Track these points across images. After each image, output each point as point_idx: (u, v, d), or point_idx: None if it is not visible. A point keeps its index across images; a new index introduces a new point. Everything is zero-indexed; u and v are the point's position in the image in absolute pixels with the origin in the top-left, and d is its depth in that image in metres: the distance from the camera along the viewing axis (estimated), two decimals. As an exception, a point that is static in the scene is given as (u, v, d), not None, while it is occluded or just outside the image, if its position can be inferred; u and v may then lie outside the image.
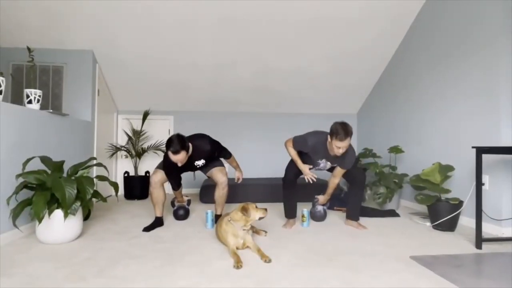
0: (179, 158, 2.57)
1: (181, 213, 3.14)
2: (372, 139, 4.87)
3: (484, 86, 2.90)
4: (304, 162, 2.82)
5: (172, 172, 2.83)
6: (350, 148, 2.67)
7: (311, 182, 2.78)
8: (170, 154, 2.56)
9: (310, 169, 2.83)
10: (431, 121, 3.58)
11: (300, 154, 2.84)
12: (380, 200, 3.61)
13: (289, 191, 2.99)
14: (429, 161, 3.47)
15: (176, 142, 2.53)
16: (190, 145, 2.71)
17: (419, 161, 3.72)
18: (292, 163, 2.92)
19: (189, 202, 3.23)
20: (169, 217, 3.19)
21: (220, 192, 2.99)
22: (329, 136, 2.60)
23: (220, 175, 2.98)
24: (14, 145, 2.47)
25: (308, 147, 2.73)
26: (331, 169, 2.95)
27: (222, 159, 3.09)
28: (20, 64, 3.76)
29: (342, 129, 2.48)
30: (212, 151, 2.89)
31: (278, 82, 4.57)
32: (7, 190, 2.36)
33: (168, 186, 3.05)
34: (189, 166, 2.84)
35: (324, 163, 2.84)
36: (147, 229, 2.78)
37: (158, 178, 2.88)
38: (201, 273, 1.85)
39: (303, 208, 3.02)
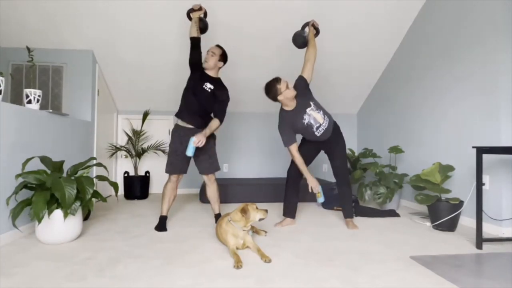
0: (215, 51, 2.83)
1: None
2: (372, 139, 4.87)
3: (484, 86, 2.90)
4: (304, 137, 2.87)
5: (178, 149, 2.79)
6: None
7: (314, 191, 2.77)
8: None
9: (312, 130, 2.75)
10: (431, 121, 3.58)
11: (301, 139, 2.91)
12: (380, 200, 3.61)
13: (292, 186, 2.95)
14: (429, 161, 3.47)
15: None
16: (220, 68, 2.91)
17: (419, 161, 3.72)
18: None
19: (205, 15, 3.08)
20: (170, 217, 3.19)
21: (211, 188, 2.97)
22: (278, 97, 2.68)
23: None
24: (13, 145, 2.47)
25: (286, 122, 2.76)
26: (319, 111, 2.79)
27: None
28: (20, 64, 3.75)
29: (269, 83, 2.69)
30: (220, 92, 2.81)
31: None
32: (6, 190, 2.36)
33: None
34: (200, 82, 2.80)
35: (308, 115, 2.73)
36: (159, 228, 2.79)
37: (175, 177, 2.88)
38: (201, 273, 1.85)
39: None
